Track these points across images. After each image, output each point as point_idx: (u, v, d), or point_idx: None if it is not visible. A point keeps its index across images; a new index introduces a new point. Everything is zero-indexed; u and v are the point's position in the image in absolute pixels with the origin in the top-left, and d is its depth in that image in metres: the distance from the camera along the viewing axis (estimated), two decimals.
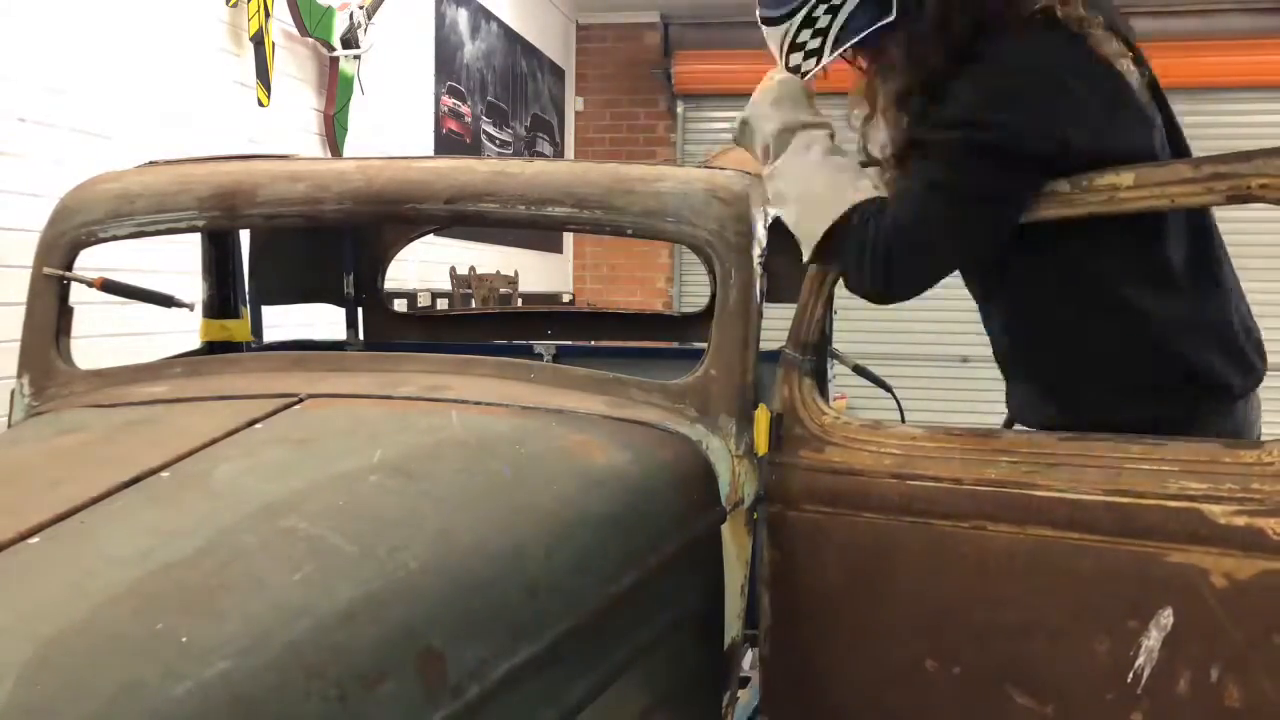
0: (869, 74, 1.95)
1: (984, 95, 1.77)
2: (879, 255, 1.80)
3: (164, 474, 1.44)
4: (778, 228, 2.09)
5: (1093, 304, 1.86)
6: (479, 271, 6.43)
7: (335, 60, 4.99)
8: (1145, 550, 1.67)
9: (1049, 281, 1.88)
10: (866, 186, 1.86)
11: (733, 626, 1.89)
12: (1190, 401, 1.86)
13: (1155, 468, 1.70)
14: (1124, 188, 1.74)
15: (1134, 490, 1.69)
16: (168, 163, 2.37)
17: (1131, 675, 1.68)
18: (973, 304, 2.11)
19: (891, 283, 1.84)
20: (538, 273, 7.78)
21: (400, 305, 4.56)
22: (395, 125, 5.70)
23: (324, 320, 3.52)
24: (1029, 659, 1.75)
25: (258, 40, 4.38)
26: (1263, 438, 1.82)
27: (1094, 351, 1.88)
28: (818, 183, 1.87)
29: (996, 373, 2.11)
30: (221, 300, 2.71)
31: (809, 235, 1.87)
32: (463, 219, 2.16)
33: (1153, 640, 1.67)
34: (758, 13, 1.93)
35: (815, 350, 1.97)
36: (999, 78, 1.78)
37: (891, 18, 1.82)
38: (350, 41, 5.03)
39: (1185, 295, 1.86)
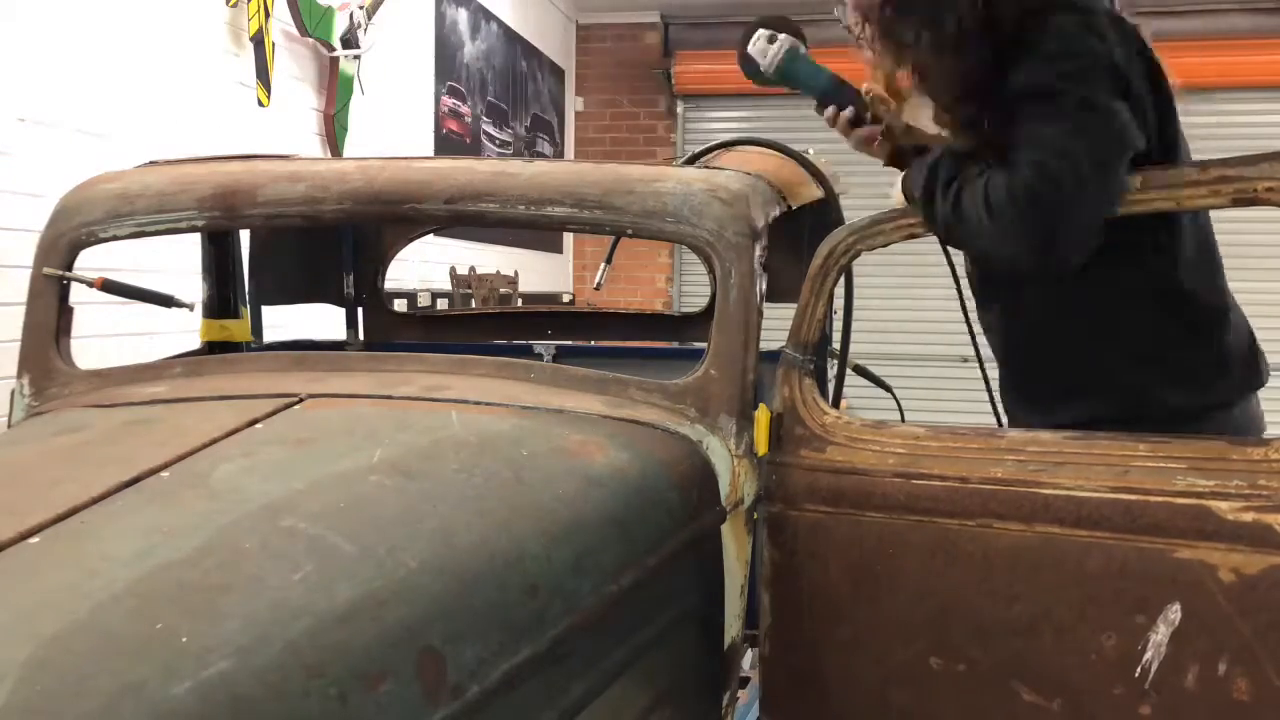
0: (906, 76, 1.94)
1: (1061, 45, 1.76)
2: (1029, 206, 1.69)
3: (164, 474, 1.43)
4: (778, 228, 2.09)
5: (1149, 290, 1.87)
6: (479, 271, 6.43)
7: (335, 60, 4.99)
8: (1153, 546, 1.68)
9: (1102, 268, 1.83)
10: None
11: (733, 626, 1.89)
12: (1230, 389, 1.91)
13: (1162, 465, 1.70)
14: (1130, 190, 1.75)
15: (1141, 487, 1.69)
16: (168, 163, 2.37)
17: (1139, 670, 1.68)
18: (973, 304, 2.10)
19: (1054, 238, 1.72)
20: (538, 273, 7.78)
21: (400, 305, 4.55)
22: (395, 125, 5.70)
23: (324, 320, 3.52)
24: (1036, 655, 1.75)
25: (258, 40, 4.38)
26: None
27: (1145, 339, 1.88)
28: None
29: (997, 373, 2.10)
30: (221, 300, 2.70)
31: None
32: (463, 219, 2.16)
33: (1160, 635, 1.67)
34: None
35: (815, 350, 1.97)
36: (1065, 35, 1.77)
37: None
38: (350, 41, 5.02)
39: (1223, 286, 1.95)
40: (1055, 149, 1.71)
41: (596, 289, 3.15)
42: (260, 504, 1.35)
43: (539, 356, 3.23)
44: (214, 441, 1.55)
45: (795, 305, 2.01)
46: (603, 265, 3.00)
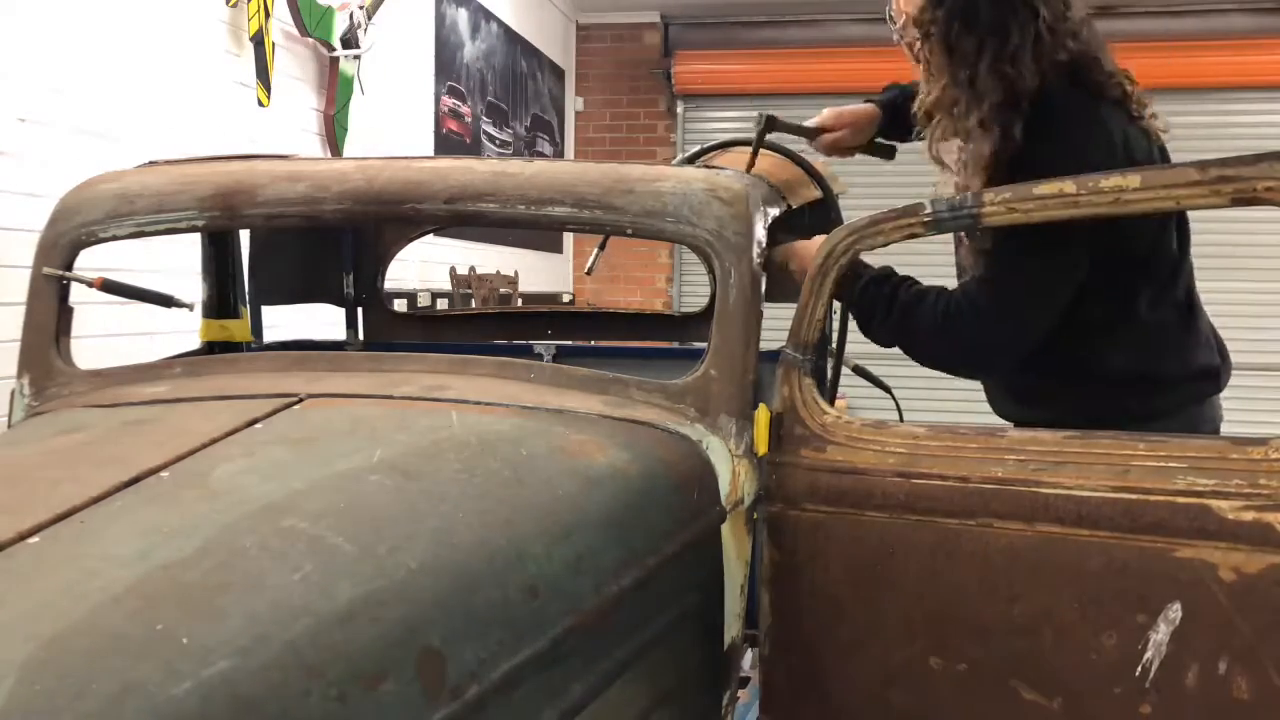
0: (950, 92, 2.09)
1: (1084, 137, 2.01)
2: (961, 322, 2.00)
3: (164, 474, 1.43)
4: (778, 228, 2.09)
5: (1111, 322, 2.07)
6: (479, 271, 6.43)
7: (335, 60, 4.99)
8: (1153, 546, 1.68)
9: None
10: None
11: (733, 626, 1.89)
12: (1185, 397, 2.10)
13: (1162, 464, 1.70)
14: (1131, 189, 1.75)
15: (1141, 487, 1.70)
16: (168, 163, 2.37)
17: (1140, 669, 1.68)
18: None
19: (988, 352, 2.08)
20: (538, 273, 7.78)
21: (400, 305, 4.55)
22: (395, 125, 5.70)
23: (324, 320, 3.52)
24: (1036, 655, 1.75)
25: (258, 40, 4.38)
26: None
27: (1110, 354, 2.08)
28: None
29: None
30: (221, 300, 2.70)
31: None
32: (463, 219, 2.16)
33: (1161, 634, 1.67)
34: None
35: (815, 350, 1.97)
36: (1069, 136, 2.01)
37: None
38: (350, 41, 5.02)
39: (1193, 313, 2.14)
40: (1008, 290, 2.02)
41: (588, 273, 3.14)
42: (260, 504, 1.35)
43: (539, 356, 3.23)
44: (214, 441, 1.55)
45: (795, 305, 2.00)
46: (596, 250, 2.99)
